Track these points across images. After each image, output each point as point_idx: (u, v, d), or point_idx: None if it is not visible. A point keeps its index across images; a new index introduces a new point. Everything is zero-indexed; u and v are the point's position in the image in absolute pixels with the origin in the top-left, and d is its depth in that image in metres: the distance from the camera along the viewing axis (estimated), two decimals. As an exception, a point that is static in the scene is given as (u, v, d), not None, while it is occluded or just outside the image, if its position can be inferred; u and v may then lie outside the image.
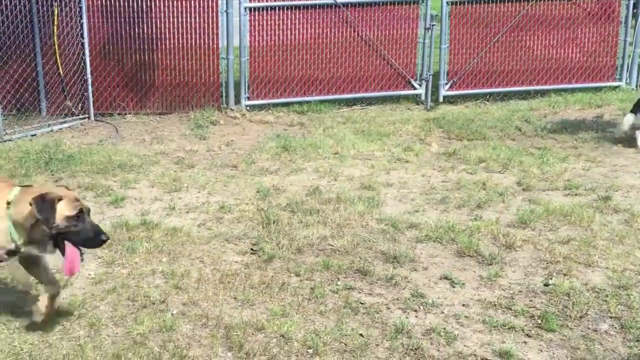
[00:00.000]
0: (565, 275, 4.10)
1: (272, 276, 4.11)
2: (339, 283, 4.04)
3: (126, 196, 5.45)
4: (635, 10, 8.53)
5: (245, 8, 7.85)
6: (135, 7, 7.66)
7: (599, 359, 3.34)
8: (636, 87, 8.66)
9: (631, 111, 6.66)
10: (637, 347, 3.43)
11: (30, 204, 3.22)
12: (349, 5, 8.09)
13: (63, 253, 3.31)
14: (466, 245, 4.48)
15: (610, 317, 3.68)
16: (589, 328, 3.59)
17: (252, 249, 4.48)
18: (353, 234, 4.70)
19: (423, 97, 8.37)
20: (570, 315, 3.69)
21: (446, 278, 4.12)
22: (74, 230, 3.28)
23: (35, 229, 3.28)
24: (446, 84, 8.39)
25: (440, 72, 8.37)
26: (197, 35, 7.81)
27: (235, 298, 3.86)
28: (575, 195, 5.42)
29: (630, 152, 6.47)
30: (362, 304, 3.82)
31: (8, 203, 3.31)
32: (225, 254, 4.42)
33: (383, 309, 3.78)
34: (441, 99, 8.40)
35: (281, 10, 7.99)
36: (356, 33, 8.19)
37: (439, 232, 4.70)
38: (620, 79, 8.70)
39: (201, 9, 7.76)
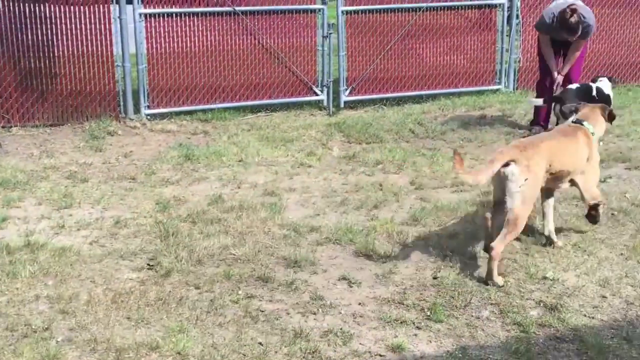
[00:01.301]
0: (451, 267, 4.34)
1: (170, 291, 4.06)
2: (239, 292, 4.06)
3: (8, 216, 5.14)
4: (509, 20, 8.99)
5: (140, 14, 7.72)
6: (18, 11, 7.30)
7: (481, 344, 3.56)
8: (513, 90, 9.19)
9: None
10: (514, 330, 3.71)
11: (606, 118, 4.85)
12: (248, 13, 8.12)
13: None
14: (363, 245, 4.64)
15: (491, 304, 3.95)
16: (472, 316, 3.84)
17: (148, 264, 4.41)
18: (255, 242, 4.73)
19: (325, 103, 8.51)
20: (456, 305, 3.93)
21: (344, 279, 4.24)
22: None
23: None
24: (346, 90, 8.58)
25: (340, 78, 8.55)
26: (89, 42, 7.57)
27: (128, 318, 3.77)
28: (462, 191, 5.72)
29: (509, 149, 6.85)
30: (262, 311, 3.86)
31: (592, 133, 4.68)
32: (119, 272, 4.31)
33: (283, 314, 3.84)
34: (342, 105, 8.58)
35: (178, 17, 7.92)
36: (257, 41, 8.23)
37: (339, 233, 4.83)
38: (499, 83, 9.23)
39: (92, 14, 7.53)
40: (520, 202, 4.14)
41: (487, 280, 4.16)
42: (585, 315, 3.82)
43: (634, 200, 5.41)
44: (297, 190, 5.79)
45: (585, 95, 6.81)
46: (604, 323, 3.74)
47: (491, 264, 4.14)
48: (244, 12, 8.10)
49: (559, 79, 7.27)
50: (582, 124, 4.70)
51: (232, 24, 8.13)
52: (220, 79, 8.18)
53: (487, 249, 4.27)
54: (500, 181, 4.21)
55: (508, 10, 9.04)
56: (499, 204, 4.28)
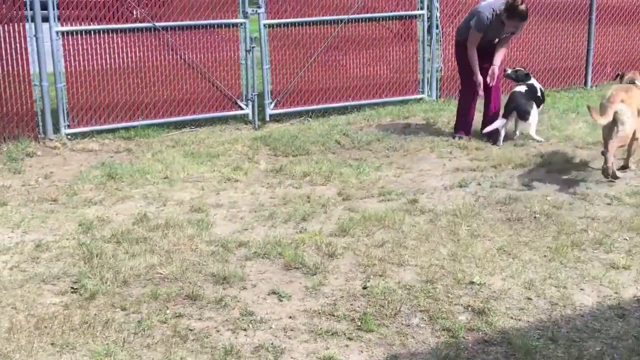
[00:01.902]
0: (380, 276, 4.38)
1: (95, 314, 3.94)
2: (167, 312, 3.97)
3: None
4: (429, 30, 9.20)
5: (57, 32, 7.50)
6: None
7: (412, 351, 3.59)
8: (437, 98, 9.37)
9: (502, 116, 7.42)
10: (443, 335, 3.75)
11: None
12: (169, 28, 8.01)
13: None
14: (292, 258, 4.62)
15: (420, 311, 3.99)
16: (402, 324, 3.86)
17: (72, 288, 4.25)
18: (182, 259, 4.65)
19: (250, 117, 8.47)
20: (386, 313, 3.95)
21: (274, 293, 4.21)
22: None
23: None
24: (271, 103, 8.56)
25: (264, 91, 8.52)
26: (5, 62, 7.27)
27: (53, 344, 3.63)
28: (389, 200, 5.78)
29: (433, 158, 7.01)
30: (191, 330, 3.79)
31: None
32: (42, 297, 4.15)
33: (213, 332, 3.77)
34: (268, 118, 8.55)
35: (97, 34, 7.73)
36: (179, 56, 8.12)
37: (267, 247, 4.80)
38: (422, 92, 9.39)
39: (7, 33, 7.25)
40: (628, 128, 5.93)
41: (604, 174, 5.99)
42: (512, 318, 3.90)
43: (554, 202, 5.58)
44: (224, 205, 5.72)
45: (534, 94, 7.43)
46: (530, 324, 3.84)
47: (607, 160, 5.92)
48: (165, 28, 7.99)
49: (496, 70, 7.46)
50: (635, 83, 6.36)
51: (153, 40, 8.00)
52: (142, 95, 8.03)
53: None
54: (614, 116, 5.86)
55: (428, 21, 9.23)
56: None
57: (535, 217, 5.30)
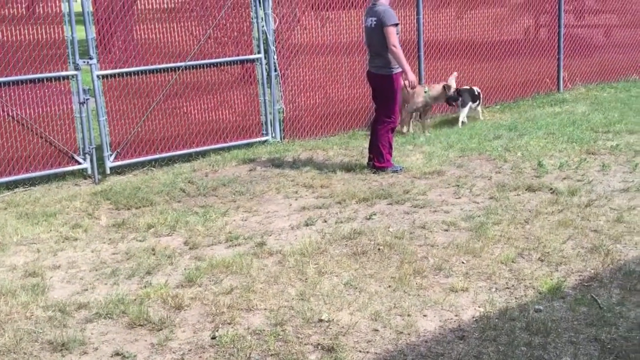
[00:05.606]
0: (229, 324, 4.30)
1: None
2: (-2, 389, 3.66)
3: None
4: (268, 73, 9.36)
5: None
6: None
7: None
8: (281, 139, 9.49)
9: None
10: (293, 378, 3.69)
11: None
12: (-8, 83, 7.54)
13: None
14: (136, 315, 4.43)
15: (271, 355, 3.94)
16: (252, 372, 3.77)
17: None
18: (16, 329, 4.32)
19: (90, 171, 8.11)
20: (236, 363, 3.84)
21: (118, 354, 4.01)
22: None
23: None
24: (111, 155, 8.25)
25: (102, 144, 8.20)
26: None
27: None
28: (236, 245, 5.71)
29: (280, 199, 7.01)
30: (24, 406, 3.50)
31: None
32: None
33: (48, 406, 3.50)
34: (108, 171, 8.22)
35: None
36: (6, 113, 7.64)
37: (109, 307, 4.57)
38: (267, 134, 9.47)
39: None
40: None
41: None
42: (360, 351, 3.94)
43: (396, 233, 5.76)
44: (62, 266, 5.39)
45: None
46: (377, 356, 3.89)
47: None
48: (-13, 83, 7.51)
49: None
50: None
51: (-25, 96, 7.49)
52: (-34, 157, 7.47)
53: None
54: None
55: (266, 64, 9.36)
56: None
57: (379, 249, 5.43)
